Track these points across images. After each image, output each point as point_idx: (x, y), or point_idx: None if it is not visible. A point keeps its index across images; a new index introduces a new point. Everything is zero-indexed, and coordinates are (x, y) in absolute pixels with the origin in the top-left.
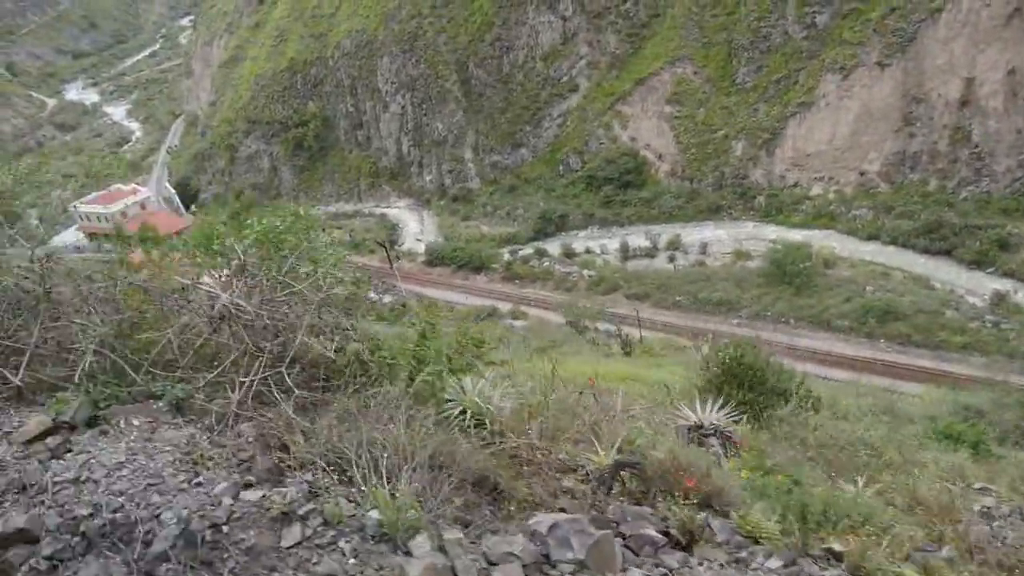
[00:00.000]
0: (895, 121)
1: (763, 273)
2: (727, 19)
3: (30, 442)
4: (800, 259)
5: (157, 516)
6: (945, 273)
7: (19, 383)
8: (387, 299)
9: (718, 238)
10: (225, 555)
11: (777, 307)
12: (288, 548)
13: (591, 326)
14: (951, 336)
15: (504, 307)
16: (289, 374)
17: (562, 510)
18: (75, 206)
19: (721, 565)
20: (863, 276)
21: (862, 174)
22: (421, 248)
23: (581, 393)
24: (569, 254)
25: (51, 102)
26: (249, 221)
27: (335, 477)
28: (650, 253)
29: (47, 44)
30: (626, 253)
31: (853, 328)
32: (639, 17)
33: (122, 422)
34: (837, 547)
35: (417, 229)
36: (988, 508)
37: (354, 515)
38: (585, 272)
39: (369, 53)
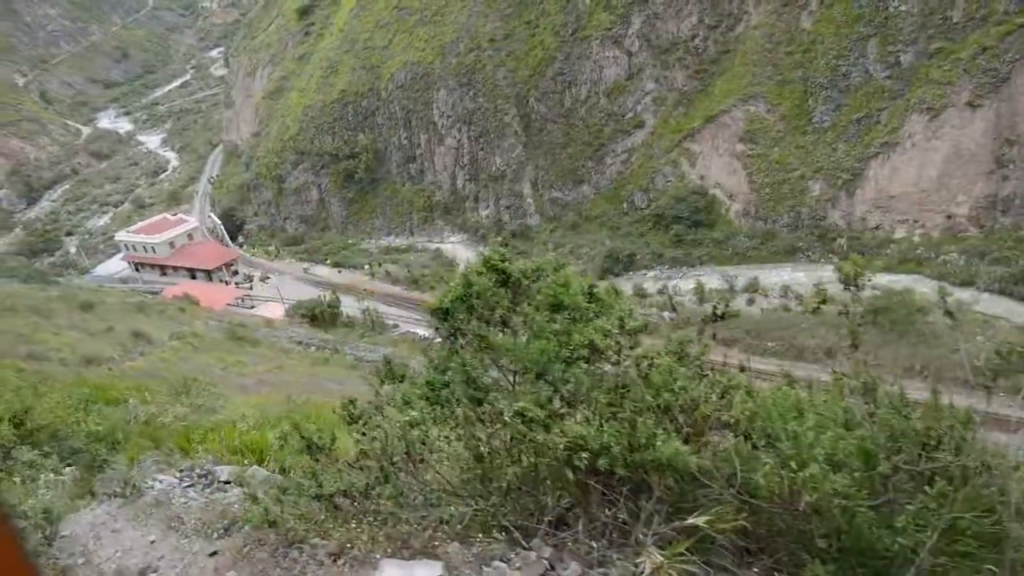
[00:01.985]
0: (986, 163)
1: (864, 319)
2: (803, 57)
3: None
4: (905, 306)
5: None
6: None
7: None
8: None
9: (798, 281)
10: None
11: (883, 356)
12: None
13: None
14: None
15: None
16: None
17: None
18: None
19: None
20: (967, 325)
21: (949, 217)
22: None
23: None
24: (641, 295)
25: (86, 130)
26: None
27: None
28: (727, 296)
29: (79, 73)
30: (702, 295)
31: (969, 380)
32: (708, 53)
33: None
34: None
35: None
36: None
37: None
38: (666, 315)
39: (425, 86)
